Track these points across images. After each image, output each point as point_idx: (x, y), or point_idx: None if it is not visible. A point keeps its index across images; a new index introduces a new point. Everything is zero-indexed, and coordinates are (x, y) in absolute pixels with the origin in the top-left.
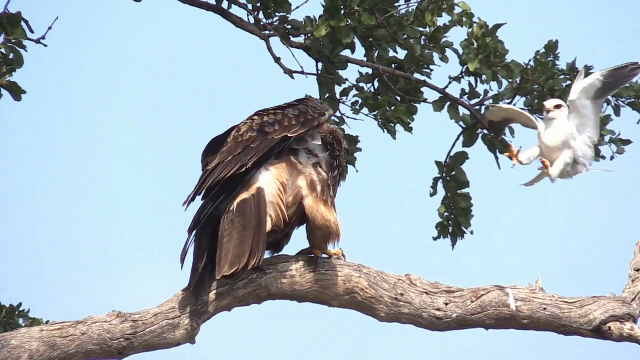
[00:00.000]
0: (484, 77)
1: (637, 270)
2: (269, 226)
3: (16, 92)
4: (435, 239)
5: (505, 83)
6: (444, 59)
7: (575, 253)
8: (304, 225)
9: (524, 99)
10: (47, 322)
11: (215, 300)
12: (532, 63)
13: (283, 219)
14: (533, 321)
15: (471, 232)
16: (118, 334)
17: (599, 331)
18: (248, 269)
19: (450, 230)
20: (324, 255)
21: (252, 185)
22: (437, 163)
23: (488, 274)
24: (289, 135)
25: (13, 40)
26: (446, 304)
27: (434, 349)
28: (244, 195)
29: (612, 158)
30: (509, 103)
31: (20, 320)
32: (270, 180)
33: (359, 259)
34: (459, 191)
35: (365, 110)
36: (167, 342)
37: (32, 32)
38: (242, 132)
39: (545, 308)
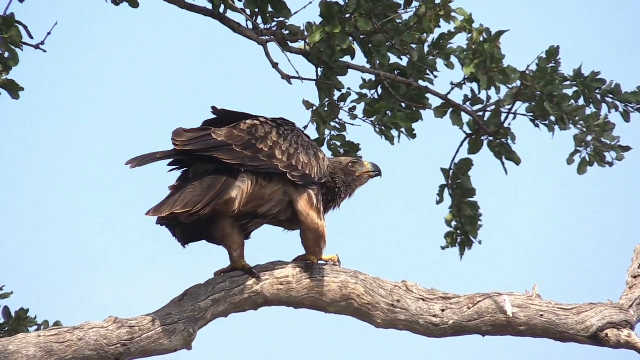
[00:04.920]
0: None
1: (635, 277)
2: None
3: (14, 90)
4: (444, 248)
5: (505, 89)
6: (450, 65)
7: (573, 260)
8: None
9: (526, 105)
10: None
11: (211, 306)
12: (533, 68)
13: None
14: (530, 328)
15: (479, 242)
16: (115, 339)
17: (596, 338)
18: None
19: (459, 240)
20: (320, 262)
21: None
22: (443, 170)
23: (485, 281)
24: (289, 176)
25: (9, 40)
26: (443, 310)
27: (431, 355)
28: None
29: (611, 165)
30: (510, 109)
31: (34, 329)
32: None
33: (359, 265)
34: (465, 199)
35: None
36: (163, 348)
37: (31, 37)
38: (262, 137)
39: (542, 315)
